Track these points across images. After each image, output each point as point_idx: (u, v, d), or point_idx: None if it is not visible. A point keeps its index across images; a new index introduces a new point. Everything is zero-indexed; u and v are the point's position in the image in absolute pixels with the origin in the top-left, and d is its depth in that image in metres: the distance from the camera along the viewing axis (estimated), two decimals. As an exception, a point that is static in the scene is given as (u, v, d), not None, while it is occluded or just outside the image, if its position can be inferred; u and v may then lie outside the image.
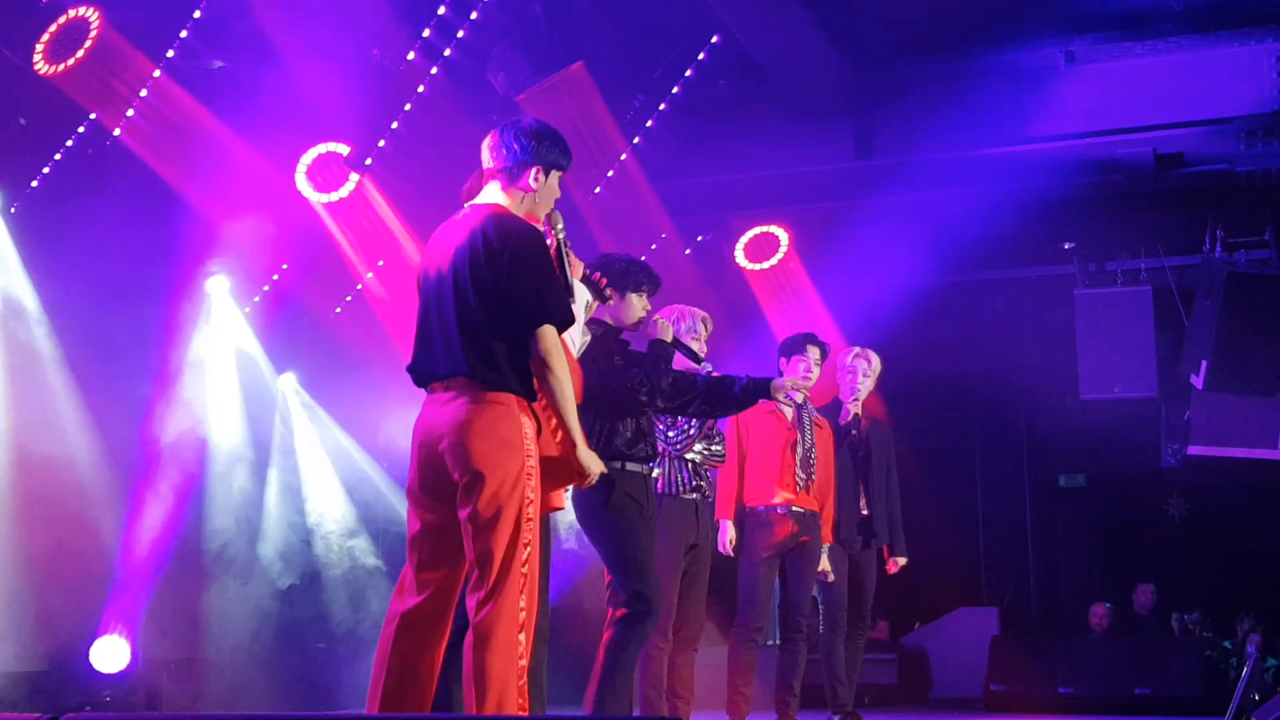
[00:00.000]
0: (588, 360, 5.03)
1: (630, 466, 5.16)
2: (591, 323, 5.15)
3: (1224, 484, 10.67)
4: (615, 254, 5.45)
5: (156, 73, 8.13)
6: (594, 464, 3.78)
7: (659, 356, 5.29)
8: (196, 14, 7.92)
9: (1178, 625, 11.35)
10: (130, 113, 8.22)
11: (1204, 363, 8.77)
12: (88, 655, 8.83)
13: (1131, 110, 8.77)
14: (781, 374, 6.52)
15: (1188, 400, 9.12)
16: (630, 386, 5.12)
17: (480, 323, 3.63)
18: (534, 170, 3.85)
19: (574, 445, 3.72)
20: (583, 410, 5.06)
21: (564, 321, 3.71)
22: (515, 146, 3.84)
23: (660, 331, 5.38)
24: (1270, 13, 8.41)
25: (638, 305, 5.30)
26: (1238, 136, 8.48)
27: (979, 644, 9.82)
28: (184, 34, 7.99)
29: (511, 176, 3.86)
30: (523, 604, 3.56)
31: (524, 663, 3.54)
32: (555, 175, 3.92)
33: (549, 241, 3.94)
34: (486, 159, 3.90)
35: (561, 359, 3.64)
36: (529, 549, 3.60)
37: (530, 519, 3.61)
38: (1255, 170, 8.44)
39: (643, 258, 10.09)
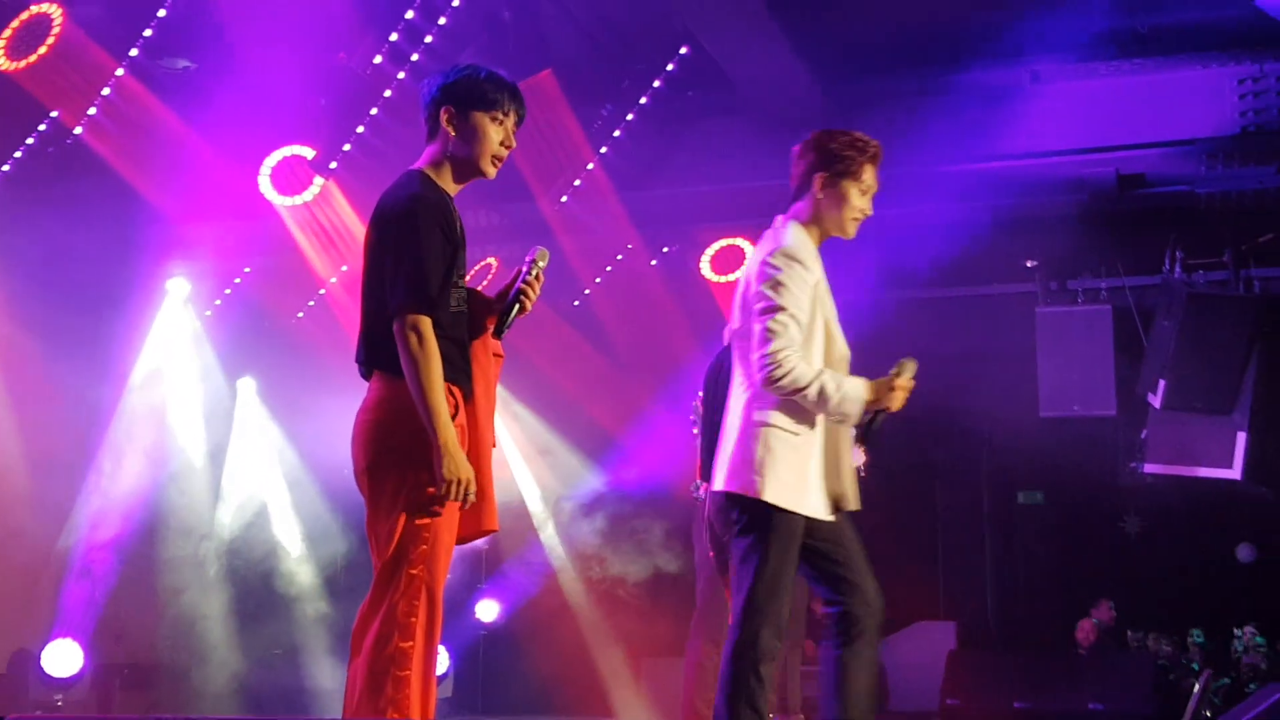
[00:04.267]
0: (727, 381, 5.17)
1: None
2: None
3: (1179, 502, 10.75)
4: None
5: (120, 71, 8.06)
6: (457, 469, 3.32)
7: None
8: (161, 13, 7.85)
9: (1135, 640, 11.42)
10: (92, 111, 8.15)
11: (1162, 382, 8.83)
12: (39, 659, 8.73)
13: (1095, 131, 8.84)
14: None
15: (1145, 419, 9.19)
16: None
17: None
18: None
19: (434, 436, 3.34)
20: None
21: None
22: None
23: None
24: (1233, 37, 8.49)
25: None
26: (1199, 158, 8.56)
27: (936, 658, 9.85)
28: (148, 33, 7.92)
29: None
30: (413, 607, 3.31)
31: (404, 673, 3.28)
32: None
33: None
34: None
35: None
36: (424, 548, 3.34)
37: (429, 511, 3.34)
38: (1215, 192, 8.52)
39: (609, 268, 10.19)
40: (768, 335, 3.84)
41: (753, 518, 3.90)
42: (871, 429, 4.00)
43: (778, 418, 3.92)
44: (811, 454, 3.95)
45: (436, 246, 3.40)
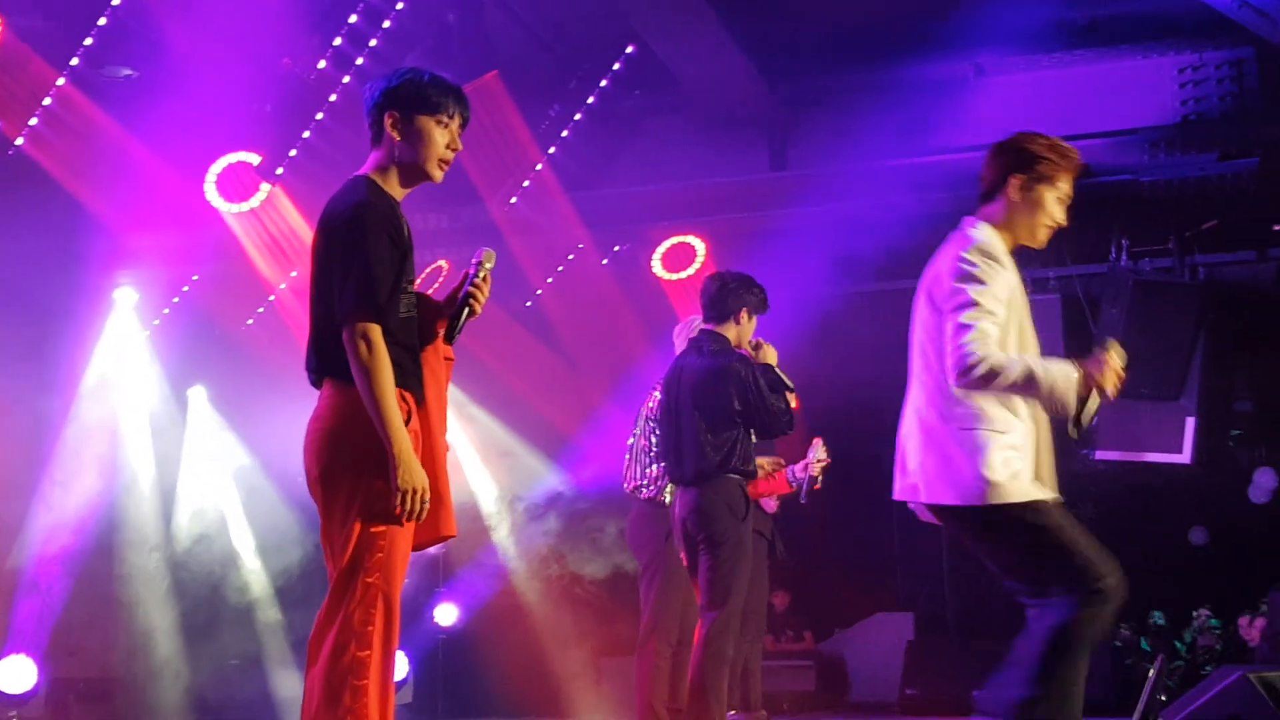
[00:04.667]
0: (744, 381, 5.31)
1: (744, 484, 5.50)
2: (713, 337, 5.49)
3: (1131, 488, 10.87)
4: (748, 276, 5.70)
5: (61, 81, 7.97)
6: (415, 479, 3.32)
7: (779, 381, 5.56)
8: (102, 21, 7.77)
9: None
10: (34, 122, 8.06)
11: (1110, 369, 8.93)
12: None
13: (1039, 122, 8.79)
14: None
15: (1096, 406, 9.28)
16: (783, 410, 5.43)
17: None
18: None
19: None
20: (728, 424, 5.26)
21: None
22: None
23: (769, 357, 5.56)
24: (1172, 27, 8.61)
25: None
26: (1141, 148, 8.66)
27: (895, 648, 9.92)
28: (89, 41, 7.83)
29: None
30: (370, 615, 3.27)
31: (362, 682, 3.24)
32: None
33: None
34: None
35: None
36: (379, 555, 3.31)
37: (384, 518, 3.30)
38: (1159, 180, 8.62)
39: (560, 268, 10.18)
40: (960, 328, 3.61)
41: (988, 525, 3.71)
42: (1083, 418, 3.59)
43: (981, 413, 3.67)
44: (1020, 448, 3.69)
45: (384, 253, 3.36)
